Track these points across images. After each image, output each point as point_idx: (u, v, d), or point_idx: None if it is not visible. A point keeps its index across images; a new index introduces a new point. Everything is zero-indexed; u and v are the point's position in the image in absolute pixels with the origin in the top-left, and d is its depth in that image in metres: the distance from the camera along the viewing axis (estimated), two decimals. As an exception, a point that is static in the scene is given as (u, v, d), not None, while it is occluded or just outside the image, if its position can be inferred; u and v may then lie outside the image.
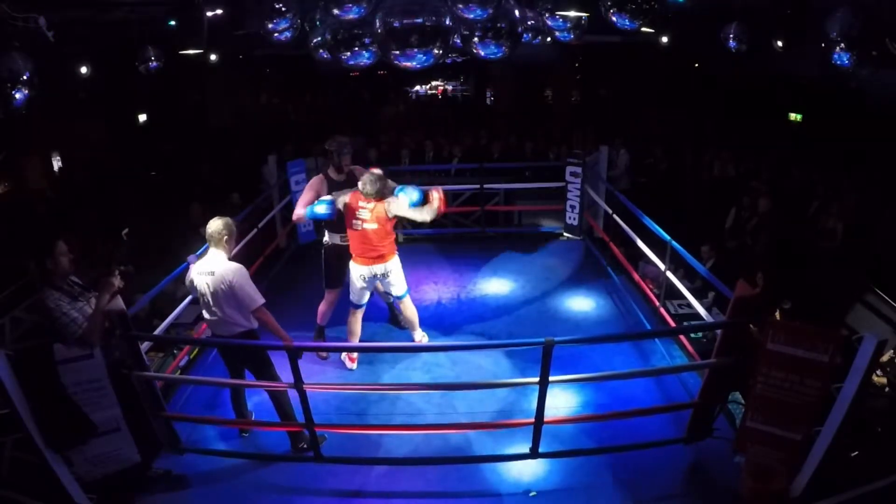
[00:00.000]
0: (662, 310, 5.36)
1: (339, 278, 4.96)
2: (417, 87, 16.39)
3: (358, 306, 4.82)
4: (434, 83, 16.58)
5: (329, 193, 4.66)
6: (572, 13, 4.91)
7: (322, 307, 5.13)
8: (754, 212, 7.50)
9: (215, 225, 3.74)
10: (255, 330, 3.90)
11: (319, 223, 5.05)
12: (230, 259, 3.80)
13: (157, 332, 4.53)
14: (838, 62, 4.50)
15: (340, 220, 4.64)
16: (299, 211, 4.73)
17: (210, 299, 3.74)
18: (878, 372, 4.65)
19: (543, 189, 7.74)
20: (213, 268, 3.72)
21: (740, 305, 3.47)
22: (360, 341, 5.34)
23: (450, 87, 17.28)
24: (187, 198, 8.62)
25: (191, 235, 7.35)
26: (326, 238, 4.99)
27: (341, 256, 4.83)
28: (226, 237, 3.75)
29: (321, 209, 4.49)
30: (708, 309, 5.14)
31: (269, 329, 3.84)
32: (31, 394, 3.26)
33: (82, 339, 3.34)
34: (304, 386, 3.57)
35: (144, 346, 4.07)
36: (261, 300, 3.75)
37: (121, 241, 7.55)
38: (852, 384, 3.11)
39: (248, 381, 4.55)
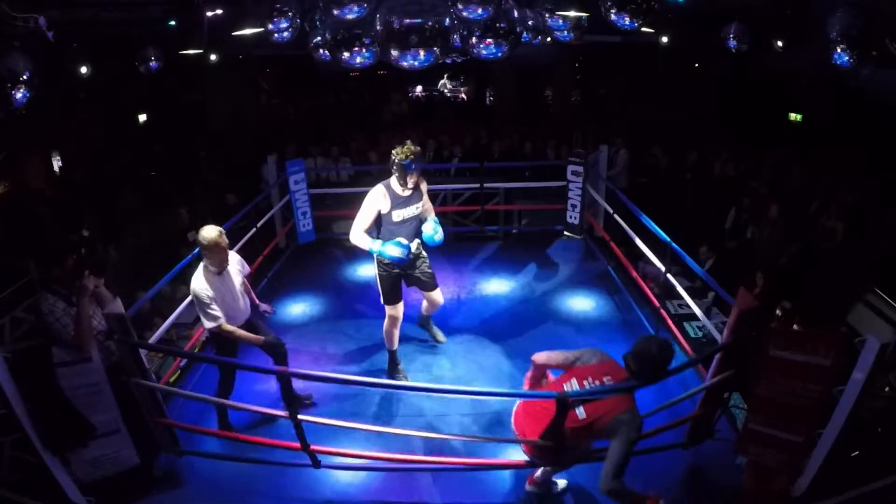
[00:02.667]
0: (662, 310, 5.35)
1: (397, 293, 4.59)
2: (419, 88, 16.21)
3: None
4: (446, 85, 16.31)
5: (394, 209, 4.27)
6: (572, 13, 4.90)
7: (386, 326, 4.67)
8: (755, 212, 7.49)
9: (199, 235, 3.77)
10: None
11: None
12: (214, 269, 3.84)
13: (157, 332, 4.52)
14: (838, 62, 4.50)
15: (397, 233, 4.33)
16: (360, 237, 4.24)
17: None
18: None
19: (543, 188, 7.74)
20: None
21: (744, 319, 3.45)
22: (359, 342, 5.34)
23: (449, 88, 17.21)
24: (187, 198, 8.62)
25: (180, 240, 7.36)
26: (375, 249, 4.41)
27: (396, 270, 4.48)
28: (204, 250, 3.77)
29: (396, 253, 4.10)
30: (707, 309, 5.14)
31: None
32: (28, 395, 3.25)
33: (73, 344, 3.34)
34: (300, 418, 3.48)
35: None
36: (210, 325, 3.83)
37: (83, 239, 7.50)
38: (855, 387, 3.10)
39: (243, 404, 4.53)
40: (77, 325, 3.36)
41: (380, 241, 4.22)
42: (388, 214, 4.28)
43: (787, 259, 6.45)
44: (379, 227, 4.39)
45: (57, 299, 3.40)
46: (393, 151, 4.26)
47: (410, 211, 4.34)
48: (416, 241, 4.52)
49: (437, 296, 4.77)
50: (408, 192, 4.30)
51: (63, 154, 11.00)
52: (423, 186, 4.46)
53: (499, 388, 4.53)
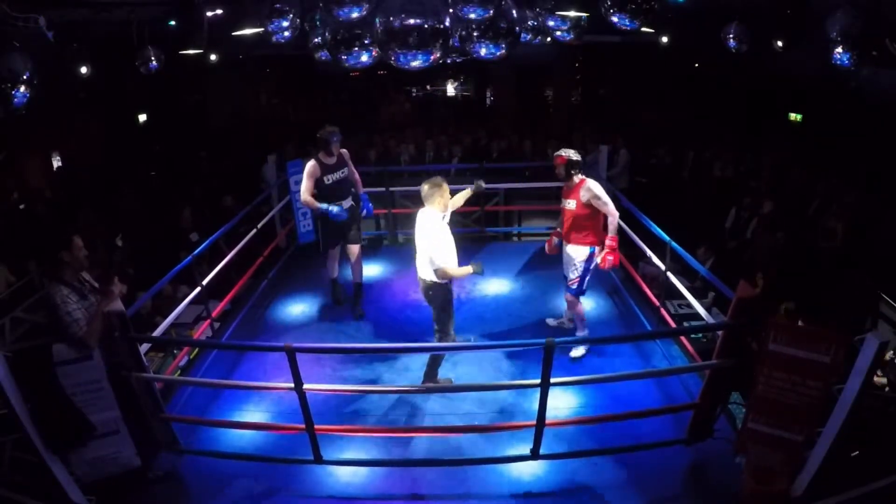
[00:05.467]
0: (663, 310, 5.35)
1: (334, 241, 5.73)
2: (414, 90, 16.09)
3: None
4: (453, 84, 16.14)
5: (323, 175, 5.37)
6: (572, 13, 4.91)
7: (328, 264, 5.92)
8: (755, 212, 7.49)
9: (425, 186, 4.31)
10: (436, 283, 4.36)
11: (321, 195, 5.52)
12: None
13: (157, 331, 4.53)
14: (838, 62, 4.50)
15: (332, 191, 5.41)
16: (306, 197, 5.37)
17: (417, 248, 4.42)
18: (879, 372, 4.64)
19: (543, 189, 7.74)
20: (422, 222, 4.34)
21: (742, 306, 3.47)
22: (359, 342, 5.35)
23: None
24: (187, 198, 8.63)
25: (182, 239, 7.38)
26: (324, 206, 5.45)
27: (334, 224, 5.52)
28: (433, 193, 4.27)
29: (337, 210, 5.38)
30: (708, 309, 5.13)
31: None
32: (29, 395, 3.25)
33: (81, 340, 3.33)
34: (304, 387, 3.56)
35: (144, 346, 4.07)
36: (441, 262, 4.20)
37: (116, 248, 7.55)
38: (854, 385, 3.10)
39: (247, 381, 4.56)
40: (91, 323, 3.36)
41: (326, 204, 5.37)
42: (321, 179, 5.38)
43: (783, 257, 6.46)
44: (319, 190, 5.43)
45: (70, 291, 3.38)
46: (318, 133, 5.40)
47: (338, 175, 5.47)
48: (349, 200, 5.61)
49: (356, 248, 5.81)
50: (332, 160, 5.44)
51: (63, 154, 11.00)
52: (347, 156, 5.59)
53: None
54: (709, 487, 3.72)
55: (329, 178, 5.42)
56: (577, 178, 4.95)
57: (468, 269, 4.36)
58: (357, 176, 5.73)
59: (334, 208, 5.35)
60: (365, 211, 5.79)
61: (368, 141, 11.07)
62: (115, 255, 7.35)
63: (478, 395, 4.49)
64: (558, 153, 5.01)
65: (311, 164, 5.39)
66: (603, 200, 4.77)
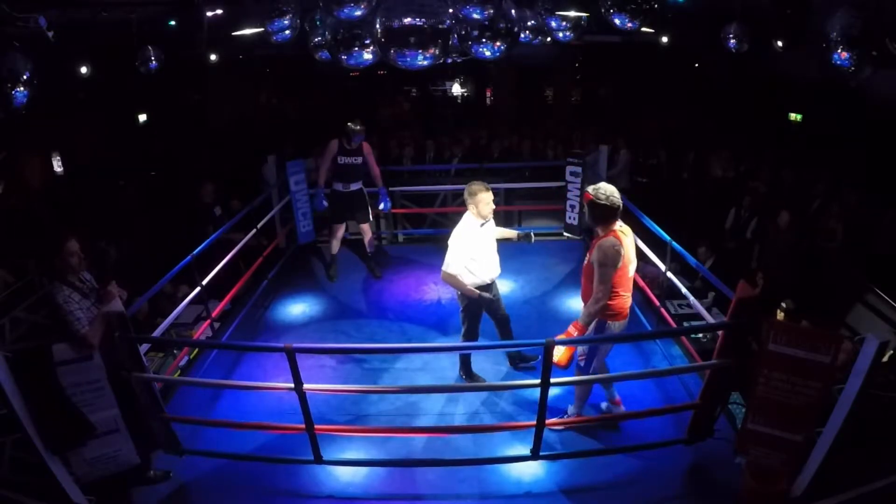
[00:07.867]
0: (662, 310, 5.35)
1: (341, 216, 6.50)
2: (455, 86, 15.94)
3: None
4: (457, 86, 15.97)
5: (339, 156, 6.16)
6: (572, 13, 4.91)
7: (331, 241, 6.62)
8: (754, 212, 7.49)
9: (465, 190, 4.37)
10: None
11: (336, 173, 6.32)
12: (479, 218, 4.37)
13: (157, 331, 4.53)
14: (838, 62, 4.49)
15: (343, 171, 6.21)
16: (322, 169, 6.26)
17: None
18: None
19: (543, 189, 7.73)
20: (458, 225, 4.40)
21: (742, 306, 3.46)
22: (359, 342, 5.36)
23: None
24: (187, 198, 8.60)
25: (206, 214, 7.42)
26: (334, 186, 6.34)
27: (342, 199, 6.35)
28: (468, 200, 4.33)
29: (316, 202, 6.42)
30: (708, 309, 5.13)
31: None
32: (29, 395, 3.25)
33: (83, 339, 3.34)
34: (304, 387, 3.56)
35: (144, 346, 4.07)
36: (451, 269, 4.28)
37: (106, 252, 7.56)
38: (854, 385, 3.10)
39: (247, 382, 4.55)
40: (92, 324, 3.38)
41: (322, 189, 6.36)
42: (336, 157, 6.18)
43: (793, 264, 6.44)
44: (334, 167, 6.24)
45: (72, 291, 3.40)
46: (349, 122, 6.08)
47: (351, 160, 6.22)
48: (358, 183, 6.37)
49: (366, 227, 6.61)
50: (351, 147, 6.19)
51: (63, 154, 10.99)
52: (367, 149, 6.30)
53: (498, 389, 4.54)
54: (709, 487, 3.73)
55: (342, 160, 6.18)
56: (604, 231, 3.70)
57: (474, 291, 4.35)
58: (377, 171, 6.35)
59: (317, 200, 6.38)
60: (382, 205, 6.39)
61: (368, 141, 11.06)
62: (104, 259, 7.35)
63: (478, 394, 4.49)
64: (587, 188, 3.82)
65: (332, 143, 6.17)
66: (601, 272, 3.60)
